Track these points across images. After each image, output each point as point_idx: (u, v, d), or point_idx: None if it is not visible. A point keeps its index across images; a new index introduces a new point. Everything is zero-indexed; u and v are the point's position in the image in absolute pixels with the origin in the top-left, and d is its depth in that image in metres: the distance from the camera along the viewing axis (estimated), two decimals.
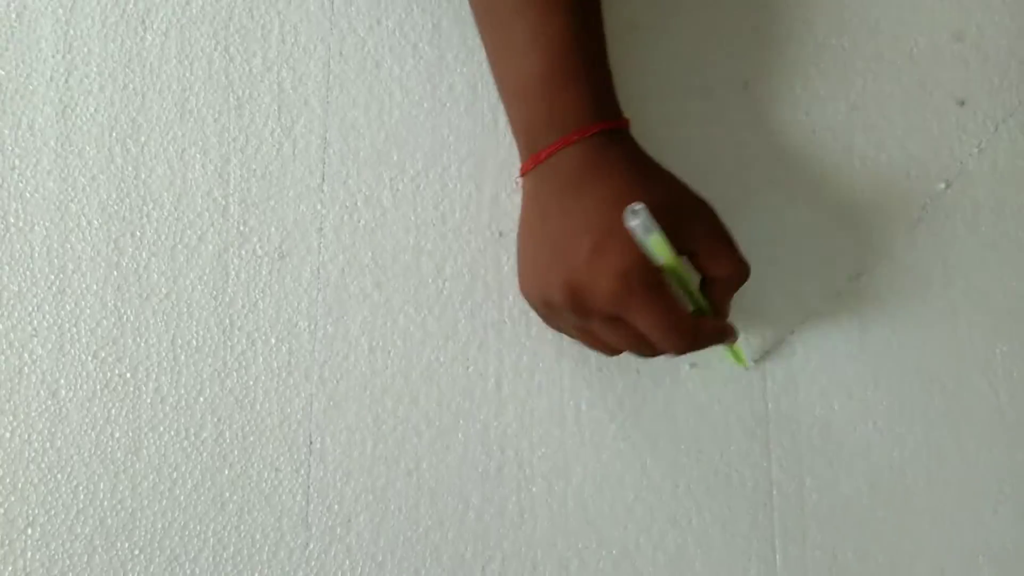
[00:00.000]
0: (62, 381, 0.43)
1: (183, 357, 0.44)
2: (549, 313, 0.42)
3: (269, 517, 0.43)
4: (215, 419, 0.43)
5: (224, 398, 0.43)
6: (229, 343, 0.44)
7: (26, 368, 0.43)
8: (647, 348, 0.41)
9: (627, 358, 0.44)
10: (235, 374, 0.44)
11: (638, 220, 0.38)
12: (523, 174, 0.42)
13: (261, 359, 0.44)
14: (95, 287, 0.44)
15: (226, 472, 0.43)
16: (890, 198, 0.46)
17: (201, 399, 0.43)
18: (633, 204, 0.38)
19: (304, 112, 0.45)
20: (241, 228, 0.44)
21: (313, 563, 0.43)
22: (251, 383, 0.44)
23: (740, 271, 0.41)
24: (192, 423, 0.43)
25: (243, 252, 0.44)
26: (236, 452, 0.43)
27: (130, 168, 0.45)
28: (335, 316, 0.44)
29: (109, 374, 0.43)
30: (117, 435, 0.43)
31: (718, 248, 0.41)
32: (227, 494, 0.43)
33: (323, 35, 0.46)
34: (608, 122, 0.41)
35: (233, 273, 0.44)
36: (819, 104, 0.46)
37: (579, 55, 0.41)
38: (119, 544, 0.43)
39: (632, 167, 0.41)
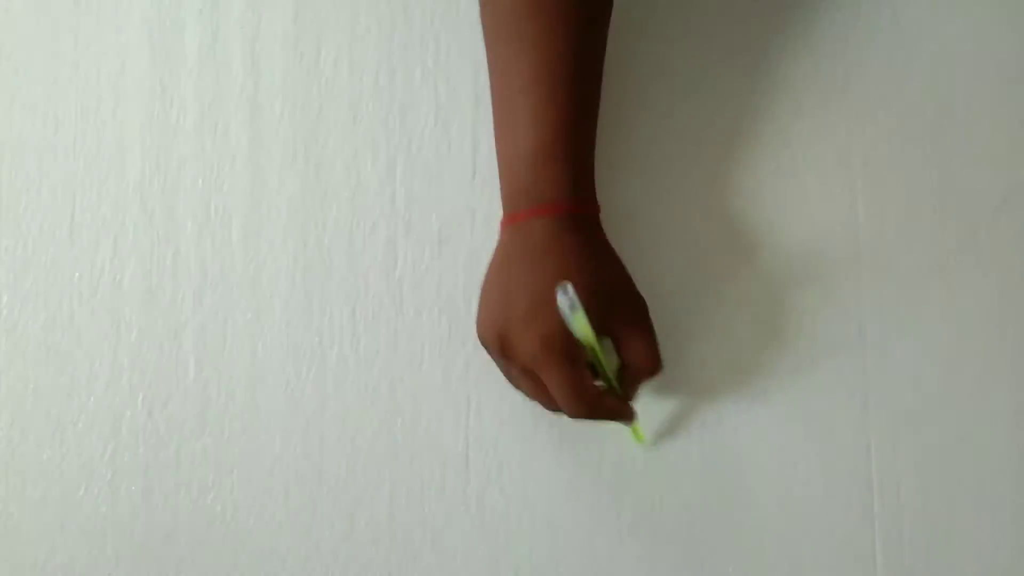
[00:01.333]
0: (259, 347, 0.51)
1: (361, 327, 0.51)
2: (488, 353, 0.48)
3: (435, 462, 0.51)
4: (389, 379, 0.51)
5: (396, 361, 0.51)
6: (400, 315, 0.51)
7: (228, 337, 0.51)
8: (552, 404, 0.47)
9: None
10: (405, 341, 0.51)
11: (566, 297, 0.44)
12: (503, 226, 0.49)
13: (426, 328, 0.52)
14: (285, 267, 0.52)
15: (399, 423, 0.51)
16: None
17: (378, 362, 0.51)
18: (564, 283, 0.44)
19: (457, 117, 0.53)
20: (406, 217, 0.52)
21: (472, 501, 0.51)
22: (419, 348, 0.51)
23: (652, 364, 0.47)
24: (370, 382, 0.51)
25: (409, 237, 0.52)
26: (408, 407, 0.51)
27: (312, 167, 0.52)
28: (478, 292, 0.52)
29: (299, 341, 0.51)
30: (308, 393, 0.51)
31: (638, 340, 0.47)
32: (400, 442, 0.51)
33: (472, 50, 0.53)
34: (579, 206, 0.47)
35: (401, 255, 0.52)
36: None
37: (570, 140, 0.47)
38: (310, 487, 0.51)
39: (586, 251, 0.47)
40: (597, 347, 0.46)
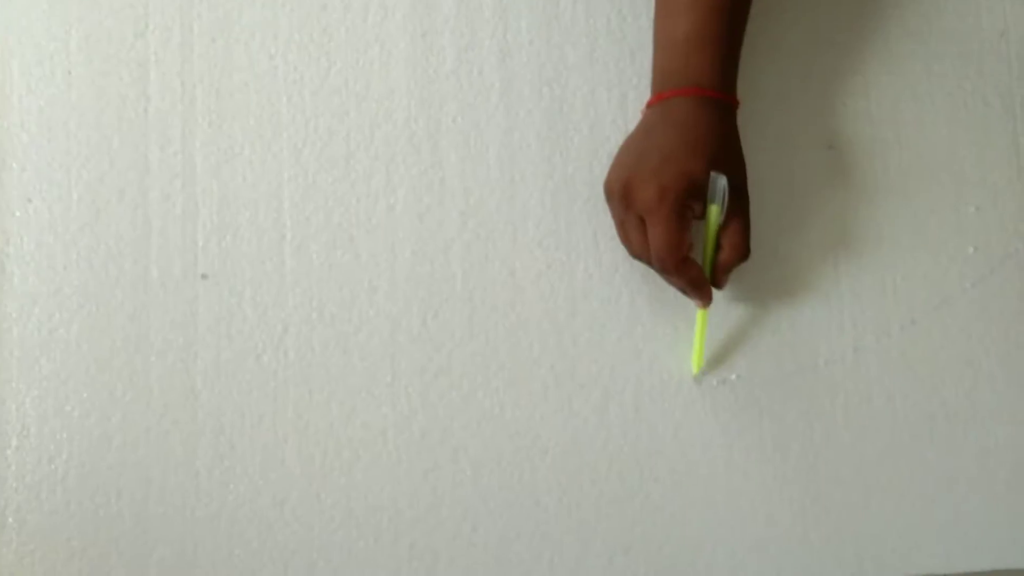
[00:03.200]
0: (517, 264, 0.57)
1: (602, 244, 0.57)
2: (608, 202, 0.54)
3: (672, 362, 0.57)
4: (629, 290, 0.57)
5: (634, 275, 0.57)
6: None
7: (489, 254, 0.57)
8: (646, 255, 0.53)
9: None
10: None
11: (718, 186, 0.52)
12: (648, 106, 0.55)
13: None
14: (537, 193, 0.58)
15: (639, 330, 0.57)
16: None
17: (617, 276, 0.57)
18: (721, 176, 0.52)
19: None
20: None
21: (707, 398, 0.57)
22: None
23: (740, 254, 0.54)
24: (612, 294, 0.57)
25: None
26: (645, 315, 0.57)
27: (556, 103, 0.58)
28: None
29: (551, 258, 0.57)
30: (560, 303, 0.57)
31: (738, 227, 0.54)
32: (640, 347, 0.57)
33: None
34: (723, 94, 0.54)
35: None
36: None
37: (722, 31, 0.54)
38: (566, 387, 0.57)
39: (721, 137, 0.54)
40: (713, 237, 0.53)
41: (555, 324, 0.57)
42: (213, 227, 0.56)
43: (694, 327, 0.56)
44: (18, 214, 0.55)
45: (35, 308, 0.55)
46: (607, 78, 0.59)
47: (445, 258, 0.57)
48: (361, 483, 0.55)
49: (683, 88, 0.53)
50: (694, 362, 0.57)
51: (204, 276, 0.56)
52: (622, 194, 0.53)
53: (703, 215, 0.54)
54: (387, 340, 0.56)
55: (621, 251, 0.57)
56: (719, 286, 0.55)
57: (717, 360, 0.57)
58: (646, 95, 0.57)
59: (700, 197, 0.53)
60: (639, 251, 0.54)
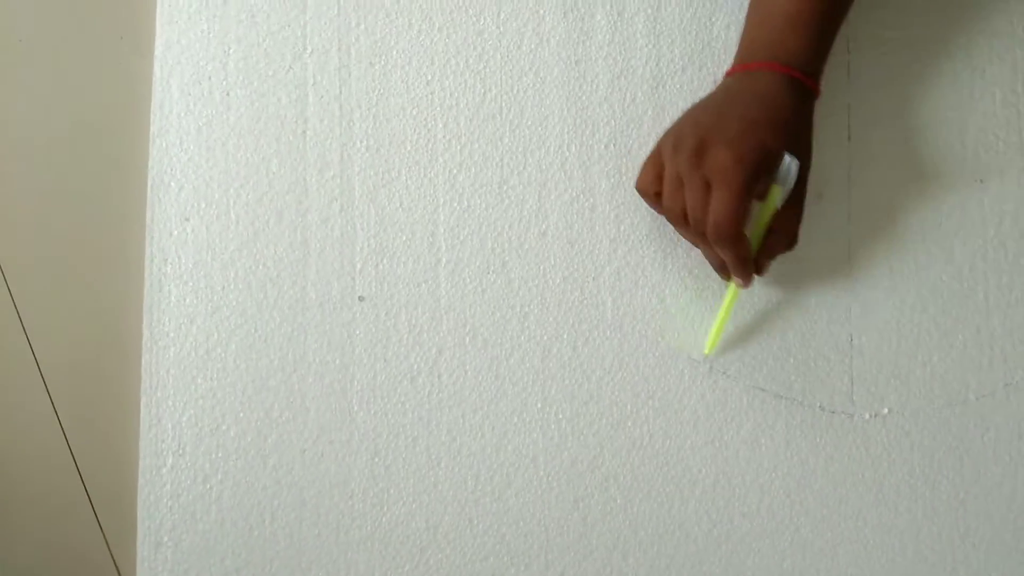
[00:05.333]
0: (667, 292, 0.57)
1: None
2: (672, 155, 0.51)
3: (822, 396, 0.57)
4: (778, 299, 0.57)
5: (786, 303, 0.57)
6: (787, 260, 0.57)
7: (640, 281, 0.57)
8: (698, 220, 0.51)
9: None
10: (785, 283, 0.57)
11: (790, 168, 0.50)
12: (728, 74, 0.54)
13: (811, 275, 0.57)
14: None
15: (790, 361, 0.57)
16: None
17: (772, 288, 0.57)
18: (794, 159, 0.50)
19: (830, 87, 0.59)
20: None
21: (858, 432, 0.57)
22: (800, 291, 0.57)
23: (791, 238, 0.53)
24: (770, 304, 0.57)
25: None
26: (795, 346, 0.57)
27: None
28: (864, 247, 0.58)
29: (701, 285, 0.57)
30: (707, 326, 0.57)
31: (792, 214, 0.53)
32: (792, 364, 0.57)
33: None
34: (808, 78, 0.53)
35: None
36: None
37: (822, 17, 0.53)
38: (716, 420, 0.56)
39: (800, 123, 0.53)
40: (767, 219, 0.52)
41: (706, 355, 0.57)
42: (370, 250, 0.56)
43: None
44: (175, 233, 0.56)
45: (192, 327, 0.55)
46: None
47: (595, 285, 0.57)
48: (512, 509, 0.55)
49: (772, 63, 0.52)
50: (709, 342, 0.56)
51: (361, 298, 0.56)
52: (694, 150, 0.50)
53: (764, 195, 0.53)
54: (538, 366, 0.56)
55: (771, 283, 0.57)
56: (760, 272, 0.54)
57: (869, 393, 0.57)
58: None
59: (769, 175, 0.52)
60: (685, 213, 0.52)
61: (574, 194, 0.57)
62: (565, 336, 0.57)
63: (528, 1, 0.58)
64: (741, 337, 0.57)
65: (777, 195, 0.52)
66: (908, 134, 0.59)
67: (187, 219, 0.56)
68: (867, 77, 0.59)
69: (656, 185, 0.54)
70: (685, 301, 0.57)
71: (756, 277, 0.54)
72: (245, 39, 0.57)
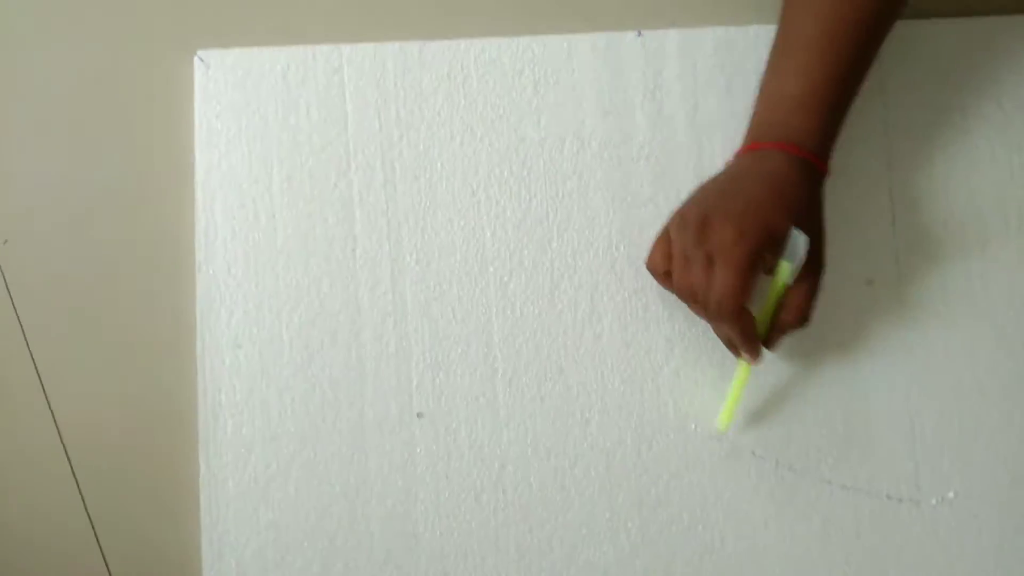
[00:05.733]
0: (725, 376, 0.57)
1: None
2: (679, 232, 0.52)
3: (887, 484, 0.56)
4: (838, 413, 0.57)
5: (846, 392, 0.57)
6: (844, 350, 0.57)
7: (700, 379, 0.57)
8: (699, 296, 0.51)
9: None
10: (843, 372, 0.57)
11: (798, 244, 0.50)
12: (737, 155, 0.55)
13: (868, 362, 0.57)
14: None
15: (854, 450, 0.57)
16: None
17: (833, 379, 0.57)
18: (803, 234, 0.50)
19: (870, 172, 0.59)
20: (840, 262, 0.58)
21: (926, 519, 0.56)
22: (858, 378, 0.57)
23: (801, 318, 0.53)
24: (824, 414, 0.57)
25: (835, 278, 0.57)
26: (858, 435, 0.57)
27: None
28: (918, 330, 0.58)
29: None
30: (774, 419, 0.57)
31: (805, 292, 0.53)
32: (852, 451, 0.56)
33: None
34: (816, 159, 0.53)
35: (839, 295, 0.58)
36: None
37: (832, 100, 0.54)
38: (787, 518, 0.56)
39: (808, 201, 0.53)
40: (777, 295, 0.52)
41: (770, 449, 0.56)
42: (426, 365, 0.56)
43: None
44: (228, 361, 0.55)
45: (251, 456, 0.54)
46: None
47: (655, 385, 0.56)
48: None
49: (780, 143, 0.53)
50: (722, 419, 0.55)
51: (420, 415, 0.55)
52: (698, 226, 0.51)
53: (772, 271, 0.52)
54: (603, 473, 0.55)
55: (830, 373, 0.57)
56: (770, 348, 0.54)
57: (934, 478, 0.57)
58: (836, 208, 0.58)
59: (774, 251, 0.51)
60: (693, 290, 0.52)
61: (626, 295, 0.57)
62: (629, 441, 0.56)
63: (568, 105, 0.59)
64: (805, 429, 0.57)
65: (786, 271, 0.51)
66: (951, 214, 0.59)
67: (239, 346, 0.55)
68: (906, 160, 0.60)
69: (665, 264, 0.54)
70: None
71: (770, 353, 0.54)
72: (288, 160, 0.57)
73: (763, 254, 0.51)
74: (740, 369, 0.55)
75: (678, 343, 0.57)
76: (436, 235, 0.57)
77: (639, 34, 0.59)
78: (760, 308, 0.53)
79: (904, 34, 0.60)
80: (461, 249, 0.57)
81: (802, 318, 0.53)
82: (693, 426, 0.56)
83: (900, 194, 0.59)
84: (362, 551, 0.54)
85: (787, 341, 0.56)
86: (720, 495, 0.56)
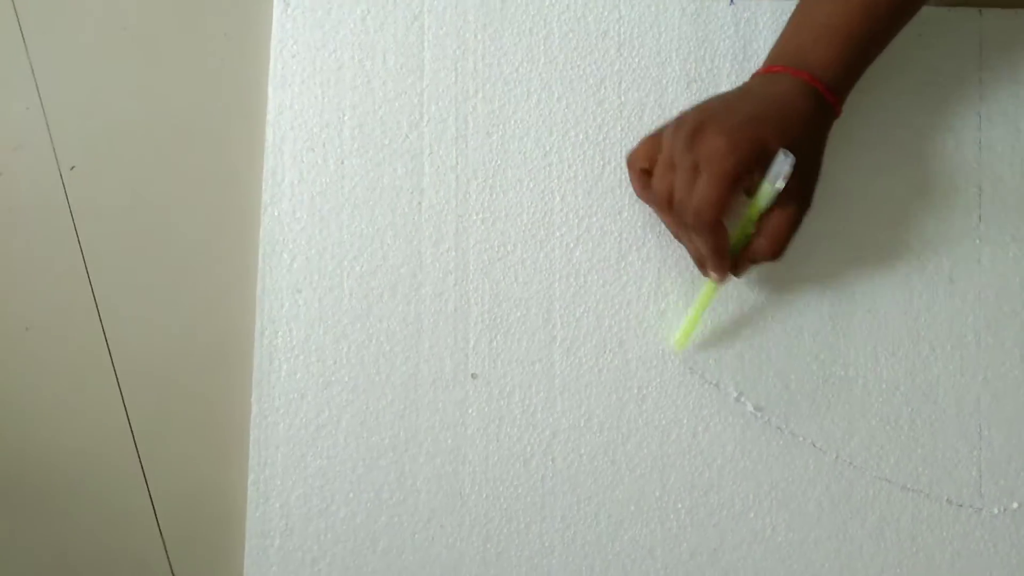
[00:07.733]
0: (792, 379, 0.55)
1: (883, 359, 0.55)
2: (672, 135, 0.50)
3: (949, 488, 0.54)
4: (908, 409, 0.55)
5: (914, 392, 0.55)
6: (916, 348, 0.55)
7: (765, 368, 0.55)
8: (682, 204, 0.49)
9: None
10: (921, 373, 0.55)
11: (784, 165, 0.48)
12: (756, 75, 0.52)
13: (940, 363, 0.55)
14: (815, 314, 0.56)
15: (918, 451, 0.55)
16: None
17: (897, 393, 0.55)
18: (790, 155, 0.48)
19: (963, 168, 0.57)
20: (920, 257, 0.56)
21: (986, 527, 0.54)
22: (928, 380, 0.55)
23: (774, 248, 0.50)
24: (891, 412, 0.55)
25: (915, 270, 0.56)
26: (925, 437, 0.55)
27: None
28: (995, 335, 0.56)
29: (826, 373, 0.55)
30: (834, 424, 0.55)
31: (783, 224, 0.50)
32: (919, 472, 0.54)
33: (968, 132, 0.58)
34: (832, 95, 0.51)
35: (917, 290, 0.56)
36: None
37: (859, 35, 0.51)
38: (841, 513, 0.54)
39: (811, 133, 0.50)
40: (752, 218, 0.50)
41: (831, 442, 0.55)
42: (484, 326, 0.55)
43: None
44: (287, 305, 0.55)
45: (303, 403, 0.54)
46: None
47: (717, 368, 0.55)
48: None
49: (794, 68, 0.51)
50: (679, 339, 0.54)
51: (474, 375, 0.54)
52: (691, 132, 0.49)
53: (755, 191, 0.50)
54: (656, 451, 0.54)
55: (901, 367, 0.55)
56: (736, 274, 0.52)
57: (998, 487, 0.55)
58: (924, 206, 0.56)
59: (762, 172, 0.49)
60: (670, 196, 0.50)
61: (696, 273, 0.55)
62: (685, 421, 0.55)
63: (651, 71, 0.57)
64: (869, 425, 0.55)
65: (766, 193, 0.49)
66: None
67: (299, 291, 0.54)
68: (999, 156, 0.57)
69: (645, 162, 0.53)
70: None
71: (736, 279, 0.52)
72: (360, 106, 0.56)
73: (751, 169, 0.49)
74: (705, 288, 0.53)
75: (745, 326, 0.55)
76: (504, 195, 0.56)
77: (732, 2, 0.57)
78: (735, 229, 0.51)
79: (1002, 25, 0.58)
80: (529, 211, 0.56)
81: (775, 249, 0.51)
82: (751, 410, 0.55)
83: (990, 192, 0.57)
84: (407, 507, 0.53)
85: (855, 332, 0.55)
86: (775, 484, 0.54)
